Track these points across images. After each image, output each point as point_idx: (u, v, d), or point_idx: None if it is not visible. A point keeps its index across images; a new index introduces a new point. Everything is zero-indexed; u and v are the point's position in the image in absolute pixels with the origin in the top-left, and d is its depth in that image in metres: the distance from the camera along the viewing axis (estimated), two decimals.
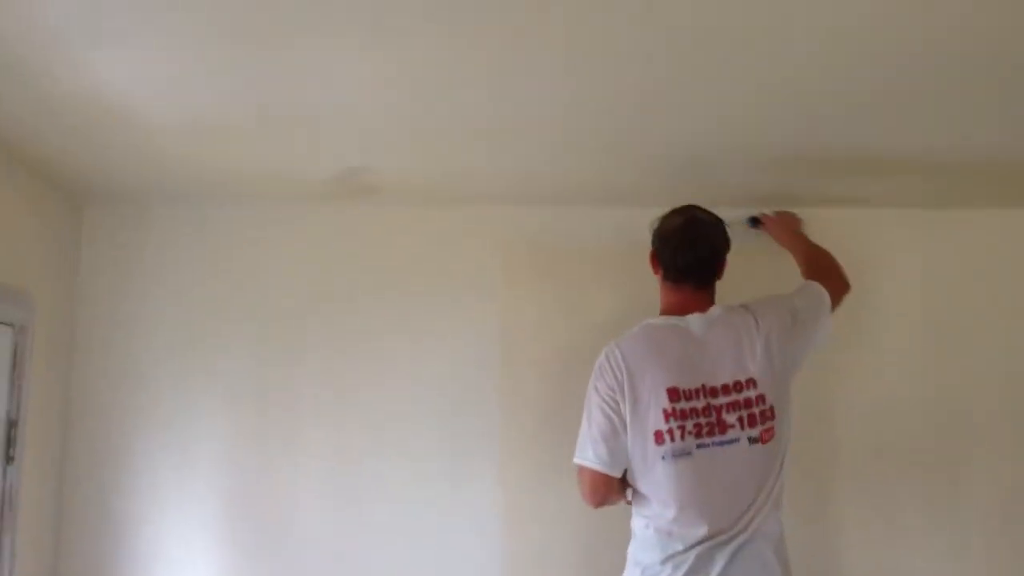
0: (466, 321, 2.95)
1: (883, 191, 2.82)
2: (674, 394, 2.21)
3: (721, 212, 2.47)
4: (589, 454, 2.26)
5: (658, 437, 2.21)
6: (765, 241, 2.86)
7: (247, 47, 1.90)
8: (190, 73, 2.02)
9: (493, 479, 2.88)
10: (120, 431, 2.88)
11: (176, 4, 1.72)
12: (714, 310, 2.34)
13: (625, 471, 2.27)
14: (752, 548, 2.19)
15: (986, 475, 2.86)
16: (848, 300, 2.59)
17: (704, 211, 2.44)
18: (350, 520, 2.87)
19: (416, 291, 2.96)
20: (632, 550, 2.30)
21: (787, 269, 2.69)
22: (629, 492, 2.31)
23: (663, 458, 2.20)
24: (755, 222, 2.89)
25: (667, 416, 2.20)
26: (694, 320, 2.31)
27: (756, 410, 2.23)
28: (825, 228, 2.85)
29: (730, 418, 2.22)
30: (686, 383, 2.23)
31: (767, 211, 2.87)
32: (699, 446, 2.20)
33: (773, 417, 2.24)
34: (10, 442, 2.51)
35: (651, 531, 2.24)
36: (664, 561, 2.19)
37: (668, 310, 2.37)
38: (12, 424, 2.52)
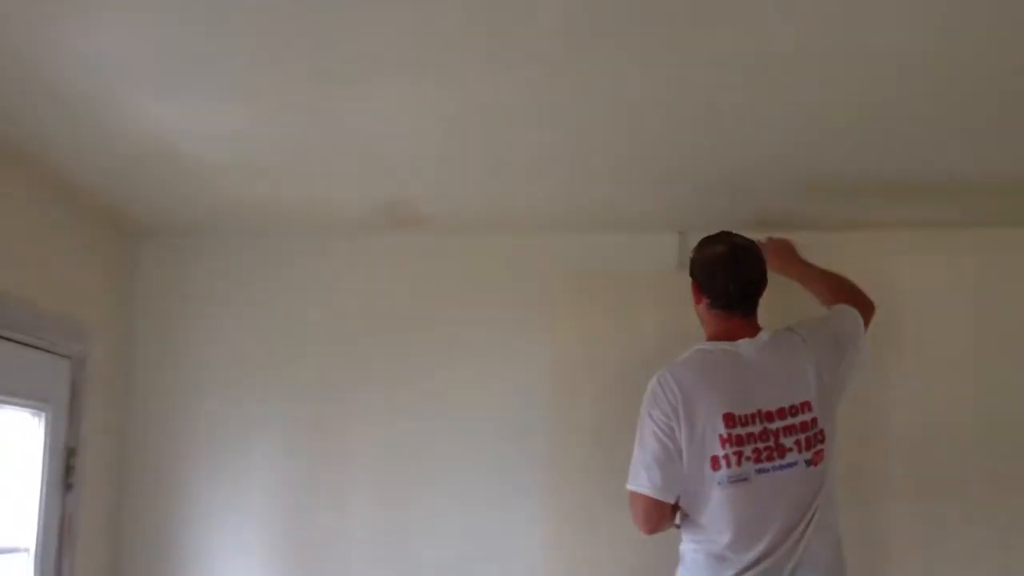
0: (514, 349, 2.95)
1: (925, 212, 2.79)
2: (730, 420, 2.21)
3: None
4: (643, 480, 2.24)
5: (715, 463, 2.20)
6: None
7: (296, 89, 1.98)
8: (240, 113, 2.10)
9: (543, 507, 2.87)
10: (176, 458, 2.95)
11: (227, 51, 1.80)
12: (763, 335, 2.33)
13: (677, 499, 2.27)
14: (803, 571, 2.18)
15: None
16: (895, 322, 2.57)
17: (740, 236, 2.43)
18: (400, 548, 2.88)
19: (464, 319, 2.97)
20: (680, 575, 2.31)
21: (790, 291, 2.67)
22: (678, 516, 2.31)
23: (719, 484, 2.19)
24: None
25: (723, 442, 2.19)
26: (744, 345, 2.31)
27: (810, 433, 2.23)
28: (866, 251, 2.83)
29: (788, 442, 2.21)
30: (741, 408, 2.22)
31: (761, 238, 2.74)
32: (759, 471, 2.19)
33: (824, 440, 2.24)
34: (69, 470, 2.59)
35: (701, 556, 2.23)
36: None
37: (716, 336, 2.36)
38: (71, 452, 2.61)
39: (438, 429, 2.92)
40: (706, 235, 2.47)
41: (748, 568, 2.16)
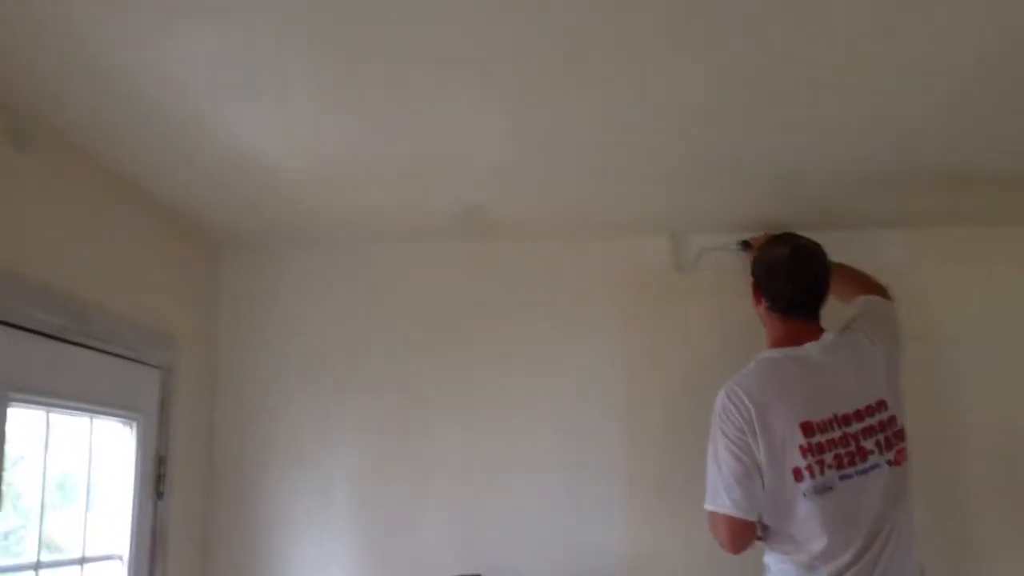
0: (589, 354, 2.96)
1: (982, 207, 2.74)
2: (808, 428, 2.15)
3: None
4: (724, 500, 2.17)
5: (797, 474, 2.14)
6: None
7: (375, 99, 2.00)
8: (320, 124, 2.13)
9: (618, 516, 2.87)
10: (261, 466, 2.99)
11: (307, 64, 1.82)
12: (827, 336, 2.28)
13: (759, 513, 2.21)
14: (891, 569, 2.13)
15: None
16: (964, 323, 2.63)
17: (805, 238, 2.38)
18: (477, 550, 2.88)
19: (539, 325, 2.99)
20: None
21: None
22: (758, 527, 2.25)
23: (804, 495, 2.13)
24: (746, 246, 2.82)
25: (804, 452, 2.14)
26: (812, 349, 2.25)
27: (890, 432, 2.18)
28: (925, 247, 2.85)
29: (868, 444, 2.16)
30: (818, 415, 2.16)
31: (757, 235, 2.75)
32: (842, 477, 2.14)
33: (903, 438, 2.19)
34: (159, 478, 2.64)
35: (789, 564, 2.19)
36: None
37: (781, 342, 2.30)
38: (161, 461, 2.65)
39: (513, 431, 2.94)
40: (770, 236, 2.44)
41: (839, 572, 2.12)
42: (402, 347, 3.02)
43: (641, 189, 2.59)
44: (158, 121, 2.06)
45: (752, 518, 2.18)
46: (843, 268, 2.54)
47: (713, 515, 2.22)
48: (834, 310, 2.42)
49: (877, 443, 2.16)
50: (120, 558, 2.48)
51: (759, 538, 2.26)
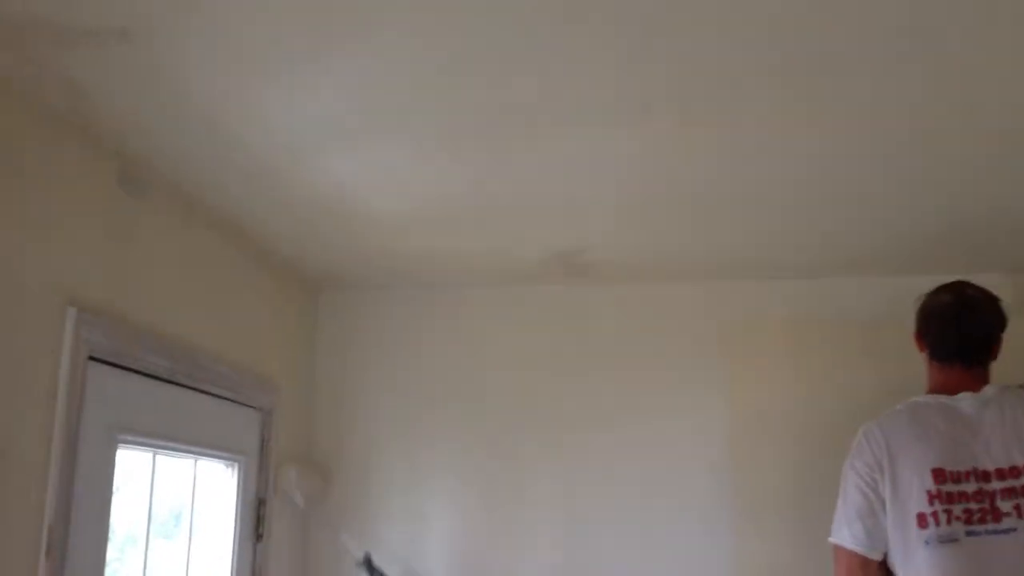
0: (691, 404, 2.90)
1: None
2: (939, 475, 2.05)
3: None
4: (845, 534, 2.12)
5: (921, 520, 2.04)
6: None
7: (471, 146, 2.00)
8: (418, 167, 2.13)
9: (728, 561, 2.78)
10: (357, 506, 2.99)
11: (404, 108, 1.83)
12: (988, 389, 2.15)
13: (885, 558, 2.11)
14: None
15: None
16: None
17: (975, 287, 2.26)
18: None
19: (638, 369, 2.94)
20: None
21: None
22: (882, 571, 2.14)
23: (926, 543, 2.03)
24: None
25: (931, 498, 2.04)
26: (965, 399, 2.14)
27: None
28: None
29: (1005, 506, 2.02)
30: (953, 464, 2.06)
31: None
32: (968, 533, 2.01)
33: None
34: (260, 520, 2.65)
35: None
36: None
37: (936, 389, 2.21)
38: (261, 503, 2.66)
39: (616, 479, 2.88)
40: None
41: None
42: (498, 391, 3.00)
43: (745, 234, 2.56)
44: (259, 167, 2.09)
45: (873, 557, 2.10)
46: None
47: (835, 550, 2.15)
48: None
49: (1016, 506, 2.02)
50: None
51: None
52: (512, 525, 2.91)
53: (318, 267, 2.91)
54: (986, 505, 2.03)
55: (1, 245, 1.67)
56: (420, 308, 3.10)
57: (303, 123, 1.89)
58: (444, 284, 3.06)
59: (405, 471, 2.98)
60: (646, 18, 1.48)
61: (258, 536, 2.64)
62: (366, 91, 1.75)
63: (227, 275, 2.55)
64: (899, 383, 2.31)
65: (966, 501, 2.03)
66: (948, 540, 2.02)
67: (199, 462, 2.46)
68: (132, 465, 2.13)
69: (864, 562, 2.10)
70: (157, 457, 2.24)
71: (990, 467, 2.06)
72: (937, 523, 2.02)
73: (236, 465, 2.57)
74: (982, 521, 2.02)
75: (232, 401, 2.52)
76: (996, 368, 2.21)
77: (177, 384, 2.24)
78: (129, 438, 2.06)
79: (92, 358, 1.89)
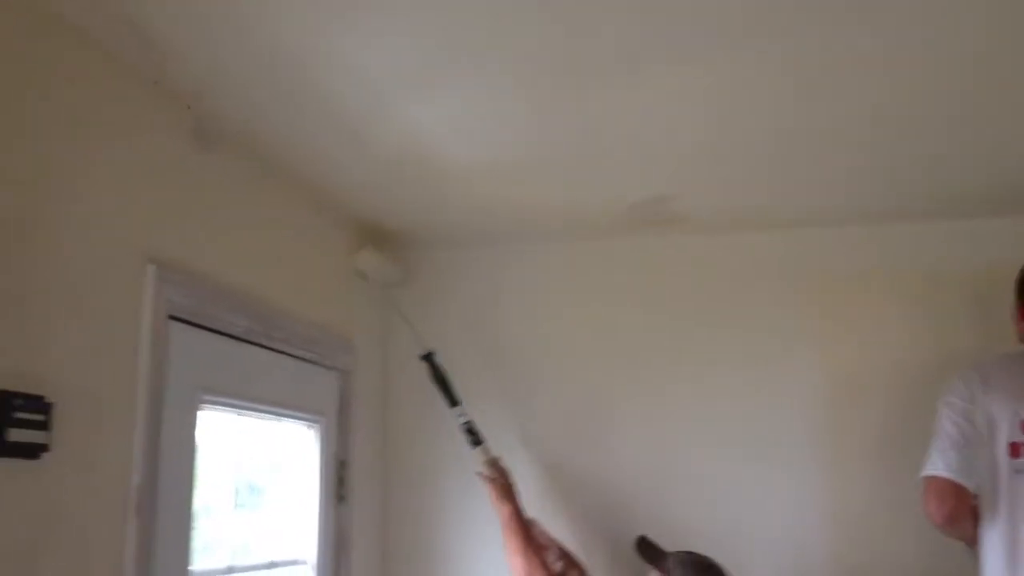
0: (782, 356, 2.80)
1: None
2: None
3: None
4: (938, 464, 2.18)
5: (1014, 449, 2.13)
6: None
7: (549, 90, 1.92)
8: (497, 113, 2.04)
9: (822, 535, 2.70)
10: (432, 467, 2.94)
11: (483, 50, 1.75)
12: None
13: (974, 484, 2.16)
14: None
15: None
16: None
17: None
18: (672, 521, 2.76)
19: (727, 320, 2.85)
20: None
21: None
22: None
23: (1018, 471, 2.12)
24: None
25: (1023, 427, 2.15)
26: None
27: None
28: None
29: None
30: None
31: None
32: None
33: None
34: (341, 482, 2.61)
35: (998, 551, 2.13)
36: None
37: None
38: (342, 464, 2.62)
39: (705, 432, 2.81)
40: None
41: None
42: (580, 345, 2.93)
43: (833, 181, 2.47)
44: (336, 117, 2.02)
45: (965, 484, 2.15)
46: None
47: (926, 480, 2.19)
48: None
49: None
50: (307, 563, 2.46)
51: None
52: (599, 479, 2.83)
53: (394, 224, 2.83)
54: None
55: (82, 200, 1.63)
56: (501, 264, 3.03)
57: (381, 70, 1.81)
58: (524, 239, 2.97)
59: (486, 428, 2.86)
60: None
61: (340, 498, 2.61)
62: (444, 35, 1.68)
63: (304, 234, 2.50)
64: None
65: None
66: None
67: (281, 424, 2.42)
68: (214, 426, 2.10)
69: (957, 490, 2.15)
70: (239, 419, 2.21)
71: None
72: None
73: (317, 426, 2.54)
74: None
75: (310, 362, 2.47)
76: None
77: (255, 344, 2.20)
78: (212, 398, 2.03)
79: (172, 317, 1.85)
